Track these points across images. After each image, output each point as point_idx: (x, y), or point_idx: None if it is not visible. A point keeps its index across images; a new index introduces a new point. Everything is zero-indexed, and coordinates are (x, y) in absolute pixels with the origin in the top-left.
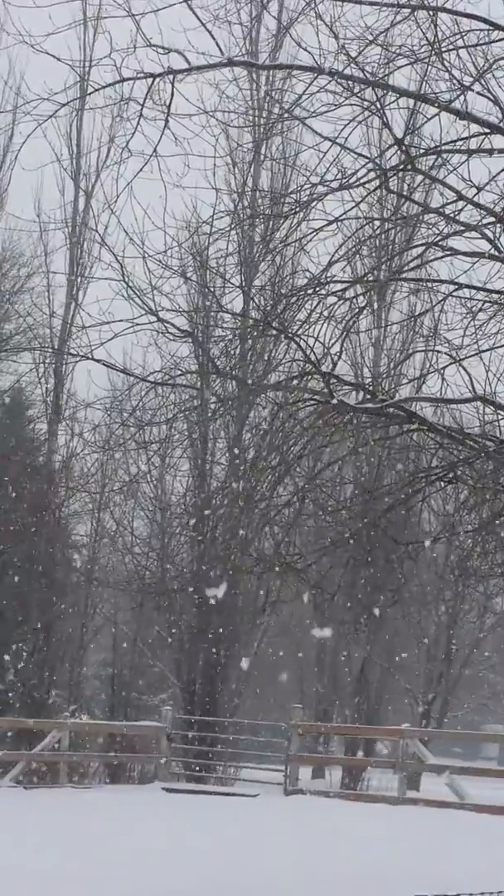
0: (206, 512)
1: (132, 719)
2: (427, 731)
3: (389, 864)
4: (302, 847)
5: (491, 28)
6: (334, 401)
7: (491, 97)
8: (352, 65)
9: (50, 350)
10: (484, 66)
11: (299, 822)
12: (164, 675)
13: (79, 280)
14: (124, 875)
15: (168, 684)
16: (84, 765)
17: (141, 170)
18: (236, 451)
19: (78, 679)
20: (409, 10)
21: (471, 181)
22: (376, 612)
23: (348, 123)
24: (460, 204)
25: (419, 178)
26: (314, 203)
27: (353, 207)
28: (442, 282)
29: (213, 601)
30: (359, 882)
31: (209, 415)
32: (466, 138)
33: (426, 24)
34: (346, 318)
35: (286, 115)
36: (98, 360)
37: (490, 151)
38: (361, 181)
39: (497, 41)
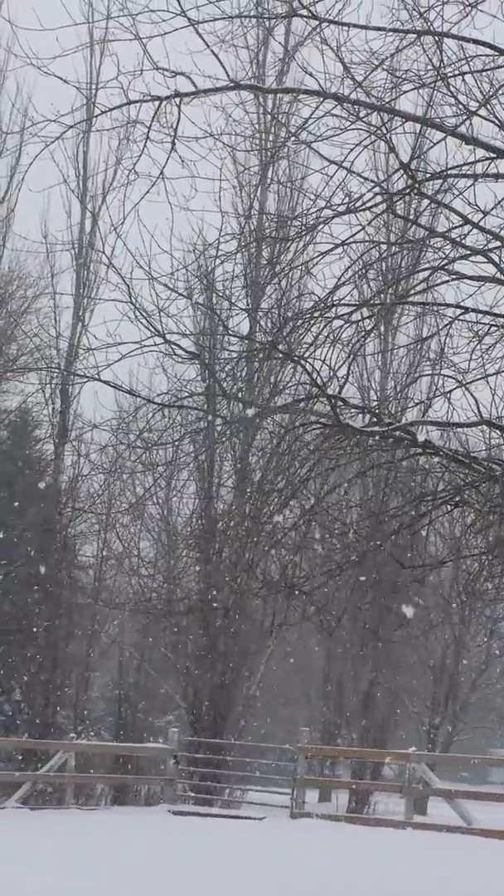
0: (216, 530)
1: (138, 741)
2: (434, 755)
3: (395, 887)
4: (308, 870)
5: (496, 54)
6: (340, 424)
7: (496, 122)
8: (358, 89)
9: (57, 370)
10: (489, 91)
11: (306, 846)
12: (170, 696)
13: (85, 301)
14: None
15: (174, 706)
16: (90, 786)
17: (147, 192)
18: (242, 473)
19: (84, 700)
20: (414, 36)
21: (477, 205)
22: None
23: (354, 147)
24: (466, 228)
25: (425, 202)
26: (321, 226)
27: (359, 231)
28: (448, 305)
29: (219, 623)
30: None
31: (216, 437)
32: (472, 163)
33: (432, 50)
34: (353, 342)
35: (292, 138)
36: (105, 382)
37: (496, 176)
38: (368, 205)
39: (502, 66)
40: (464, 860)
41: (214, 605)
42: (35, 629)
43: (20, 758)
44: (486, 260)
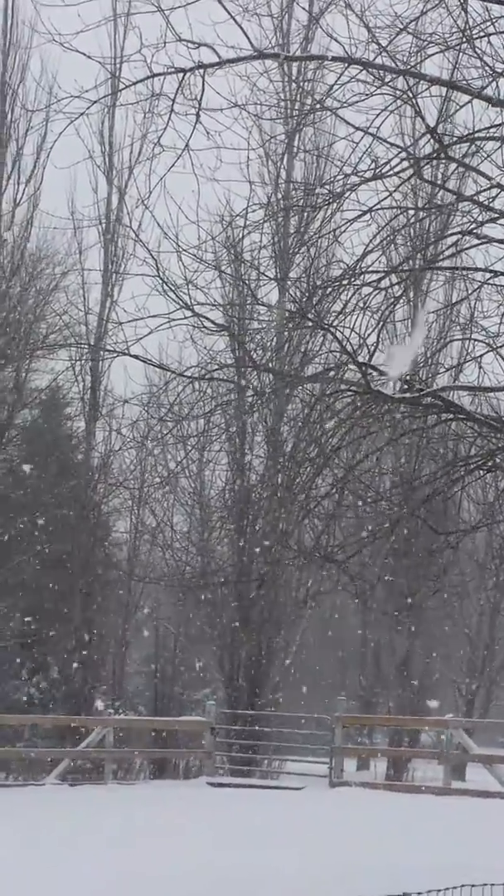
0: (249, 501)
1: (176, 715)
2: (471, 721)
3: (440, 854)
4: (351, 838)
5: None
6: (371, 391)
7: None
8: (383, 54)
9: (86, 346)
10: None
11: (346, 814)
12: (206, 669)
13: (113, 277)
14: (171, 868)
15: (211, 679)
16: (129, 761)
17: (173, 165)
18: (274, 443)
19: (121, 675)
20: None
21: None
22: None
23: (380, 113)
24: (494, 191)
25: (452, 166)
26: (348, 193)
27: (386, 197)
28: (477, 269)
29: (253, 595)
30: (410, 873)
31: (246, 408)
32: (499, 125)
33: (456, 12)
34: (382, 308)
35: (318, 106)
36: (134, 356)
37: None
38: (395, 170)
39: None
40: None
41: (249, 576)
42: (70, 606)
43: (57, 734)
44: None
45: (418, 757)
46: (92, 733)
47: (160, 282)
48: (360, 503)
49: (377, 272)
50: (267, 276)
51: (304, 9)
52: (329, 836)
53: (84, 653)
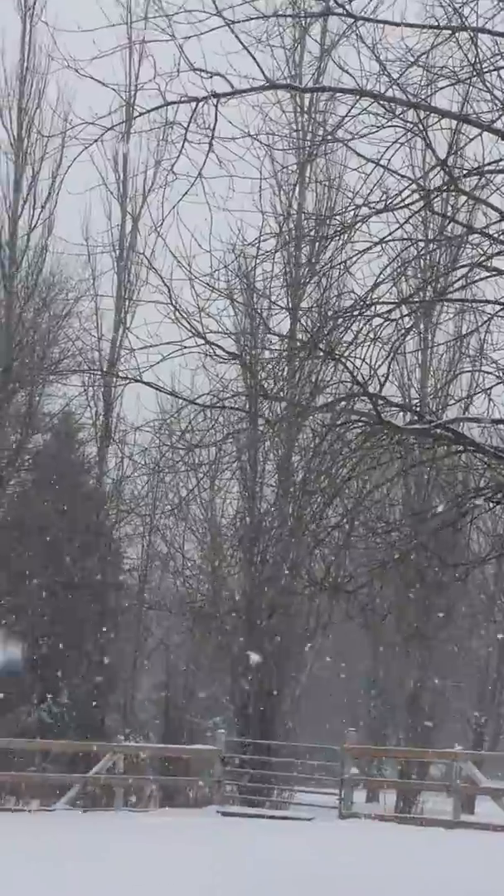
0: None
1: (186, 742)
2: (480, 753)
3: (449, 886)
4: (359, 870)
5: None
6: (382, 422)
7: None
8: (394, 86)
9: (99, 373)
10: None
11: (356, 846)
12: (216, 698)
13: (126, 303)
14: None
15: (221, 707)
16: (139, 788)
17: (186, 193)
18: (285, 473)
19: (131, 702)
20: (449, 32)
21: None
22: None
23: (391, 145)
24: None
25: (462, 198)
26: (359, 225)
27: (397, 229)
28: (487, 302)
29: (263, 624)
30: None
31: (257, 436)
32: None
33: (467, 46)
34: (393, 340)
35: (329, 137)
36: (146, 383)
37: None
38: (405, 202)
39: None
40: None
41: (260, 605)
42: (82, 632)
43: (68, 759)
44: None
45: (427, 789)
46: (103, 759)
47: (173, 309)
48: (370, 534)
49: (388, 303)
50: (279, 305)
51: (315, 41)
52: (337, 867)
53: (95, 678)
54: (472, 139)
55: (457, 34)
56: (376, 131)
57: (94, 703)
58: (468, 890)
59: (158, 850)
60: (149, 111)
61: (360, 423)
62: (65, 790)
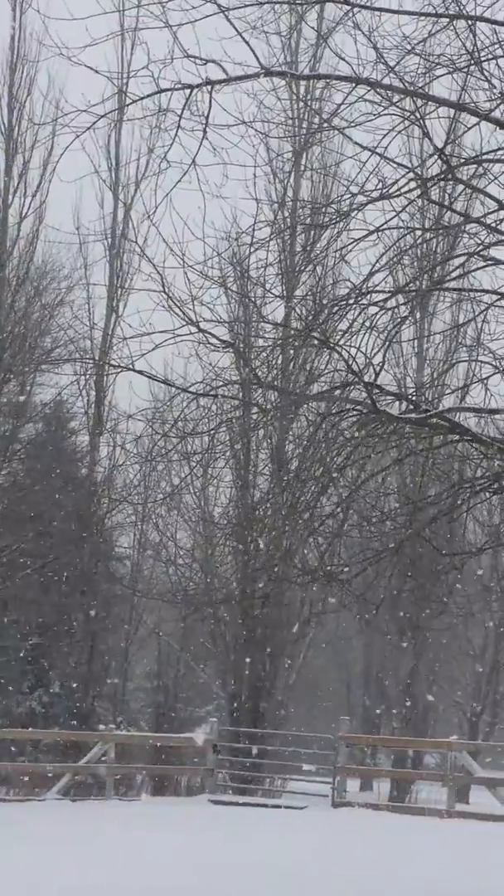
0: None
1: (178, 731)
2: (475, 743)
3: (440, 877)
4: (352, 860)
5: None
6: (377, 411)
7: None
8: (390, 74)
9: (91, 361)
10: None
11: (348, 835)
12: (209, 686)
13: (119, 292)
14: (169, 886)
15: (213, 696)
16: (130, 777)
17: (180, 180)
18: (279, 462)
19: (123, 691)
20: (447, 20)
21: None
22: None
23: (388, 133)
24: (501, 213)
25: (460, 187)
26: (355, 213)
27: (393, 217)
28: (484, 291)
29: (257, 612)
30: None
31: (251, 425)
32: None
33: (465, 34)
34: (388, 329)
35: (325, 125)
36: (139, 371)
37: None
38: (402, 191)
39: None
40: None
41: (252, 594)
42: (73, 621)
43: (59, 749)
44: None
45: (422, 779)
46: (94, 748)
47: (165, 297)
48: (364, 523)
49: (383, 292)
50: (273, 293)
51: (312, 28)
52: (329, 856)
53: (86, 668)
54: (469, 128)
55: (454, 22)
56: (373, 119)
57: (85, 692)
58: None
59: (146, 838)
60: (142, 98)
61: (355, 412)
62: (56, 780)
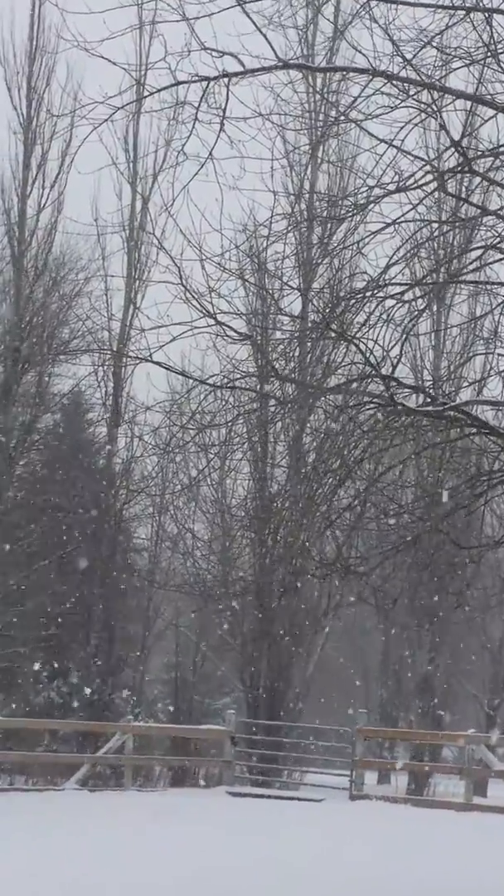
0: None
1: (196, 723)
2: (494, 736)
3: (456, 871)
4: (367, 853)
5: None
6: (395, 404)
7: None
8: (407, 67)
9: (109, 352)
10: None
11: (365, 828)
12: (227, 678)
13: (136, 283)
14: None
15: (231, 688)
16: (149, 768)
17: (197, 173)
18: (296, 454)
19: (141, 682)
20: (464, 12)
21: None
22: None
23: (404, 126)
24: None
25: (477, 180)
26: (371, 206)
27: (410, 210)
28: (501, 284)
29: (274, 605)
30: (428, 891)
31: (269, 418)
32: None
33: (481, 26)
34: (406, 321)
35: (342, 117)
36: (157, 363)
37: None
38: (419, 183)
39: None
40: None
41: (270, 586)
42: (91, 612)
43: (77, 739)
44: None
45: (439, 772)
46: (112, 739)
47: (183, 289)
48: (382, 516)
49: (401, 284)
50: (290, 286)
51: (329, 20)
52: (345, 849)
53: (104, 659)
54: (486, 120)
55: (471, 15)
56: (389, 112)
57: (103, 683)
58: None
59: (159, 832)
60: (159, 90)
61: (372, 405)
62: (74, 770)
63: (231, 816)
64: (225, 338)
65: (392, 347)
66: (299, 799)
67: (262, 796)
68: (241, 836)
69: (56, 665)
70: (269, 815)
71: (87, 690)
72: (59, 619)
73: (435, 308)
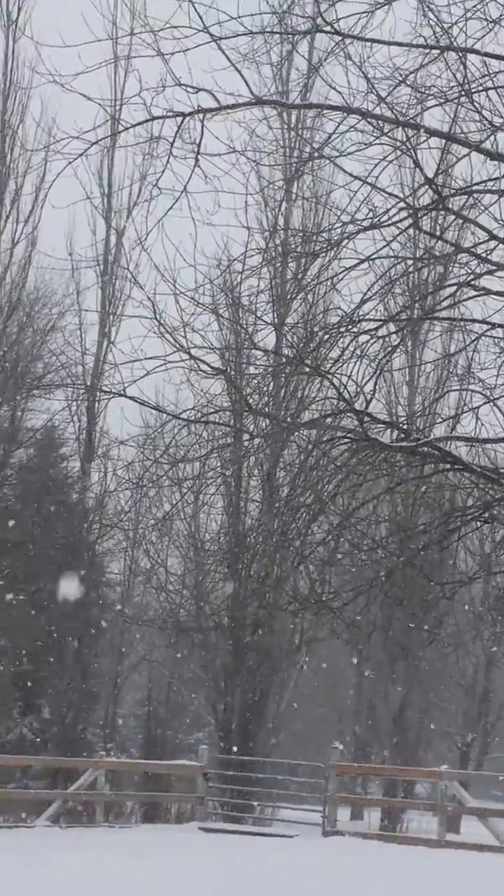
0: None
1: (168, 758)
2: (466, 773)
3: None
4: (342, 889)
5: None
6: (368, 439)
7: None
8: (382, 105)
9: (83, 387)
10: None
11: (338, 864)
12: (199, 713)
13: (111, 318)
14: None
15: (204, 723)
16: (120, 804)
17: (171, 207)
18: (270, 489)
19: (113, 717)
20: (438, 52)
21: (502, 221)
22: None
23: (379, 163)
24: (492, 243)
25: (451, 217)
26: (346, 242)
27: (384, 246)
28: (475, 321)
29: (247, 639)
30: None
31: (242, 452)
32: (497, 178)
33: (455, 66)
34: (380, 357)
35: (317, 154)
36: (130, 397)
37: None
38: (393, 220)
39: None
40: (499, 880)
41: (243, 620)
42: (64, 647)
43: (49, 775)
44: None
45: (413, 808)
46: (84, 775)
47: (157, 324)
48: (355, 551)
49: (375, 320)
50: (264, 321)
51: (303, 57)
52: (321, 886)
53: (77, 694)
54: (460, 158)
55: (445, 54)
56: (364, 149)
57: (76, 719)
58: None
59: (135, 866)
60: (134, 125)
61: (346, 440)
62: (46, 806)
63: (202, 852)
64: (199, 372)
65: (366, 383)
66: (272, 835)
67: (234, 832)
68: (210, 871)
69: (28, 701)
70: (241, 852)
71: (57, 728)
72: (32, 655)
73: (409, 344)
